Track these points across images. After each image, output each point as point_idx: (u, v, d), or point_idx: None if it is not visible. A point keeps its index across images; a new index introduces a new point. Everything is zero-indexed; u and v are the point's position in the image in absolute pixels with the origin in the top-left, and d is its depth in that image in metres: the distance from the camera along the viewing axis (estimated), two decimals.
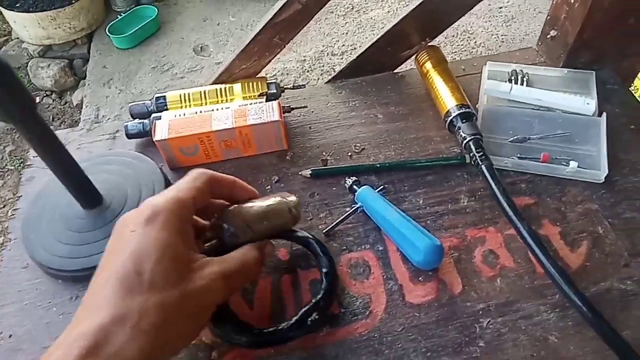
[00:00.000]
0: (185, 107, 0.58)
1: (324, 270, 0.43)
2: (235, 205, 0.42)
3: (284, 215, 0.42)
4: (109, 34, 1.95)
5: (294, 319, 0.40)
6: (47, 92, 2.01)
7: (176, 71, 1.88)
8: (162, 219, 0.35)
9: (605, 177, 0.50)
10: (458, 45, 1.90)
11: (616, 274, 0.44)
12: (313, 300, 0.41)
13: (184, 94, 0.58)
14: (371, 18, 2.06)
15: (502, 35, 1.90)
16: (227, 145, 0.54)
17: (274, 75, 1.82)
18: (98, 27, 2.08)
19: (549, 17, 0.62)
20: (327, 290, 0.42)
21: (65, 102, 2.00)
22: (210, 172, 0.40)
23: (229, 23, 2.11)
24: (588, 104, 0.55)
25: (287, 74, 1.84)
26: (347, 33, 2.00)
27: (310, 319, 0.40)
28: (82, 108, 1.85)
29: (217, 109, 0.55)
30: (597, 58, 0.60)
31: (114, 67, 1.93)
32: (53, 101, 2.00)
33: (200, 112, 0.56)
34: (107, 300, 0.31)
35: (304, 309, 0.41)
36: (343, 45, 1.95)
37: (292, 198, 0.44)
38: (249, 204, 0.42)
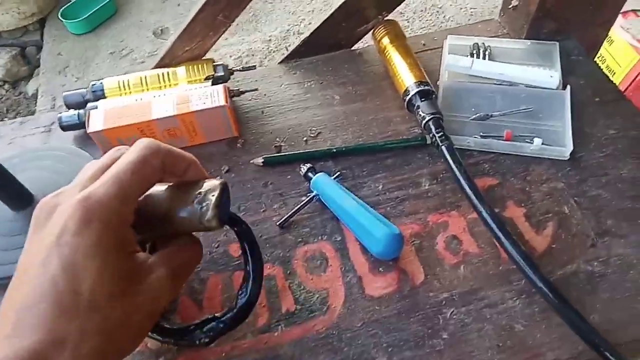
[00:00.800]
0: (125, 94, 0.53)
1: (251, 274, 0.37)
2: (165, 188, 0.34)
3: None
4: (62, 19, 1.85)
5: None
6: None
7: (135, 56, 1.79)
8: (99, 225, 0.28)
9: (571, 154, 0.48)
10: (427, 20, 1.86)
11: (583, 255, 0.42)
12: (216, 315, 0.36)
13: (123, 80, 0.53)
14: None
15: (471, 9, 1.87)
16: (171, 135, 0.50)
17: (239, 57, 1.76)
18: (50, 12, 1.97)
19: None
20: (245, 305, 0.37)
21: (20, 93, 1.90)
22: (164, 146, 0.32)
23: (190, 3, 2.02)
24: (552, 76, 0.52)
25: (253, 55, 1.78)
26: (313, 11, 1.94)
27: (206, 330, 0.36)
28: (37, 98, 1.76)
29: (159, 96, 0.51)
30: (561, 28, 0.58)
31: (70, 54, 1.83)
32: (6, 92, 1.89)
33: (141, 99, 0.51)
34: (40, 321, 0.26)
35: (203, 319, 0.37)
36: (310, 23, 1.89)
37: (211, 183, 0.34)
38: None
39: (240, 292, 0.37)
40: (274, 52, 1.79)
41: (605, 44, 1.19)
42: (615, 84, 0.54)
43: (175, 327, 0.37)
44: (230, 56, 1.78)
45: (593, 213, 0.45)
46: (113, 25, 1.93)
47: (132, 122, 0.48)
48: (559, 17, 0.56)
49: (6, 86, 1.90)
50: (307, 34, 0.59)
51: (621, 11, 0.60)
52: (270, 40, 1.83)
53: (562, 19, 0.57)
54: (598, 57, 1.23)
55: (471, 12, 1.85)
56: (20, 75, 1.90)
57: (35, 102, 1.77)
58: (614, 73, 1.19)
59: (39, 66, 1.87)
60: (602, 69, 0.56)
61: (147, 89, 0.53)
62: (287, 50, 1.76)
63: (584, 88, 0.54)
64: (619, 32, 1.16)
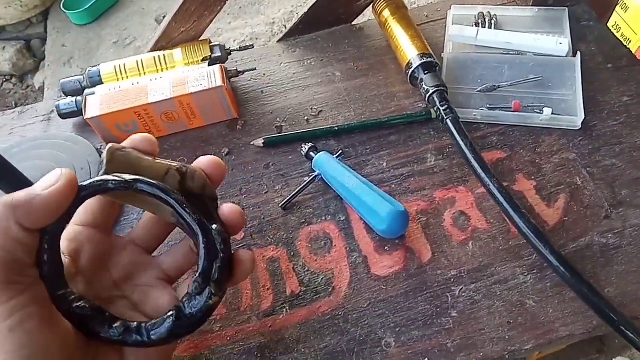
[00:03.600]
0: (122, 79, 0.52)
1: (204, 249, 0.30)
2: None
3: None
4: (64, 10, 1.84)
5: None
6: (6, 77, 1.90)
7: (139, 44, 1.78)
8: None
9: (582, 123, 0.46)
10: None
11: (596, 227, 0.41)
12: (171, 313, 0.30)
13: (119, 65, 0.52)
14: None
15: None
16: (169, 118, 0.49)
17: (242, 41, 1.74)
18: (53, 3, 1.96)
19: None
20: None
21: (28, 86, 1.90)
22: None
23: None
24: (561, 43, 0.50)
25: (257, 39, 1.76)
26: None
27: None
28: (44, 91, 1.76)
29: (156, 79, 0.50)
30: None
31: (74, 45, 1.83)
32: (14, 86, 1.90)
33: (137, 83, 0.50)
34: None
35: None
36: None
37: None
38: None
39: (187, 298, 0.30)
40: (278, 34, 1.77)
41: (620, 11, 1.15)
42: (628, 48, 0.51)
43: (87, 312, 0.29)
44: (234, 40, 1.75)
45: (607, 183, 0.43)
46: (115, 15, 1.91)
47: (129, 106, 0.47)
48: None
49: (14, 80, 1.91)
50: (305, 9, 0.57)
51: None
52: (273, 22, 1.80)
53: None
54: (613, 26, 1.19)
55: None
56: (27, 69, 1.90)
57: (43, 95, 1.77)
58: (630, 41, 1.15)
59: (44, 59, 1.87)
60: (614, 34, 0.53)
61: (144, 73, 0.52)
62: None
63: (596, 54, 0.52)
64: None
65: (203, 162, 0.34)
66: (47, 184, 0.26)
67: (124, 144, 0.32)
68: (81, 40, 1.84)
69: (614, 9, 0.59)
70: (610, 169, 0.44)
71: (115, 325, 0.29)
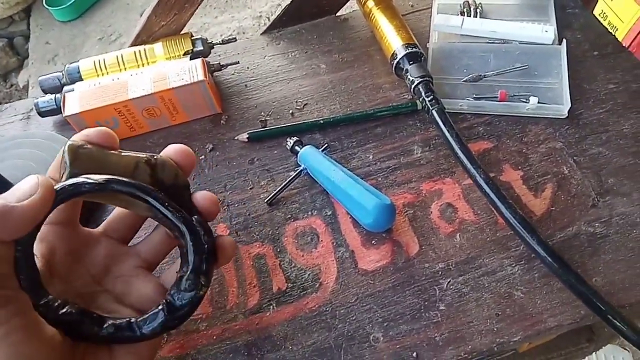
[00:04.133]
0: (102, 75, 0.51)
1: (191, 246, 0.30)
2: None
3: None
4: (47, 7, 1.81)
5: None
6: None
7: (124, 40, 1.75)
8: None
9: (569, 111, 0.45)
10: None
11: (583, 216, 0.40)
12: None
13: (99, 60, 0.51)
14: None
15: None
16: (151, 115, 0.48)
17: (229, 35, 1.72)
18: (35, 0, 1.92)
19: None
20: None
21: (12, 85, 1.87)
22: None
23: None
24: (546, 31, 0.50)
25: (244, 33, 1.74)
26: None
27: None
28: (29, 89, 1.73)
29: (136, 74, 0.49)
30: None
31: (58, 42, 1.80)
32: None
33: (117, 79, 0.49)
34: None
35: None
36: None
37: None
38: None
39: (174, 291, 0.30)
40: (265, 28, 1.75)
41: None
42: (614, 35, 0.51)
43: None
44: (221, 35, 1.73)
45: (593, 172, 0.43)
46: (100, 10, 1.88)
47: (109, 102, 0.46)
48: None
49: None
50: (288, 1, 0.56)
51: None
52: (260, 16, 1.78)
53: None
54: (600, 14, 1.18)
55: None
56: (10, 67, 1.87)
57: (27, 94, 1.74)
58: (617, 29, 1.15)
59: (28, 57, 1.84)
60: (600, 21, 0.53)
61: (125, 68, 0.51)
62: None
63: (581, 42, 0.51)
64: None
65: (171, 151, 0.33)
66: (23, 193, 0.25)
67: (76, 137, 0.30)
68: (65, 37, 1.81)
69: None
70: (596, 157, 0.43)
71: (105, 325, 0.29)
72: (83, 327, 0.28)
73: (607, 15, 1.17)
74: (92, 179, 0.28)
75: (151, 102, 0.47)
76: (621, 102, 0.46)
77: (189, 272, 0.30)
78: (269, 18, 1.73)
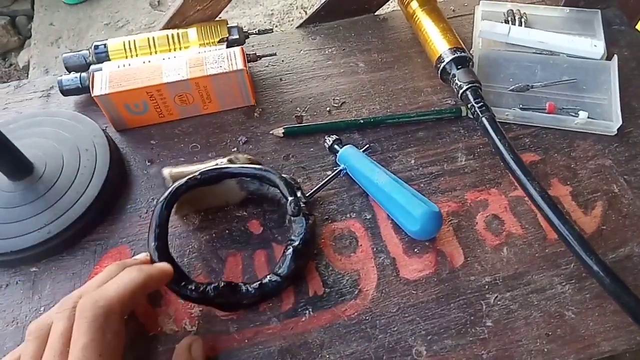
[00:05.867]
0: (131, 56, 0.48)
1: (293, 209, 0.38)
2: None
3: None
4: None
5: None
6: None
7: (132, 27, 1.72)
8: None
9: (617, 129, 0.44)
10: None
11: (636, 237, 0.39)
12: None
13: (129, 41, 0.49)
14: None
15: None
16: (183, 101, 0.46)
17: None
18: None
19: None
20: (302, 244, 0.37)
21: (11, 64, 1.82)
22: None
23: None
24: (596, 46, 0.48)
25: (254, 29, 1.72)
26: None
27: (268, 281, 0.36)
28: (29, 70, 1.69)
29: (169, 58, 0.46)
30: None
31: (62, 25, 1.75)
32: None
33: (149, 61, 0.46)
34: None
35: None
36: None
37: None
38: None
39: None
40: (275, 27, 1.73)
41: None
42: None
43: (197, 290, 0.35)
44: None
45: None
46: None
47: (141, 85, 0.43)
48: None
49: None
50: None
51: None
52: (272, 14, 1.76)
53: None
54: None
55: None
56: (10, 46, 1.82)
57: (27, 74, 1.70)
58: None
59: (30, 37, 1.79)
60: None
61: (155, 52, 0.49)
62: (290, 25, 1.70)
63: (628, 59, 0.50)
64: None
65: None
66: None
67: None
68: (70, 19, 1.77)
69: None
70: None
71: (253, 286, 0.35)
72: (232, 299, 0.35)
73: None
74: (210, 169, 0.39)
75: (185, 88, 0.44)
76: None
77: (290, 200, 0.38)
78: (291, 23, 1.71)
